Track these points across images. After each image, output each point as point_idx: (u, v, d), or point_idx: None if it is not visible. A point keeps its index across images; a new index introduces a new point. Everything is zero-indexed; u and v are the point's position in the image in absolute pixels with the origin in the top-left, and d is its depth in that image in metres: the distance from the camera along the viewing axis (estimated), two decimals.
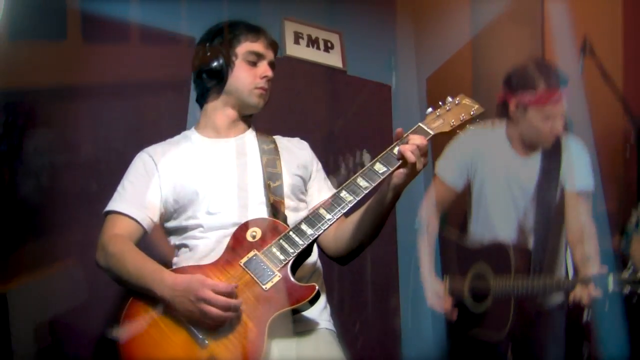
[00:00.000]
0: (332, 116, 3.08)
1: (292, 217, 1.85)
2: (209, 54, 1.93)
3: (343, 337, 1.85)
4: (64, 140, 2.49)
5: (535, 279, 2.41)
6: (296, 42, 3.12)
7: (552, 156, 2.51)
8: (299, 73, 3.04)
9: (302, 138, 2.09)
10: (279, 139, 2.04)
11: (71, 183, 2.44)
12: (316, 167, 2.03)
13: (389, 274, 2.89)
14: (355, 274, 2.84)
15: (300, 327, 1.75)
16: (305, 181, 1.98)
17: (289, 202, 1.88)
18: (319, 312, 1.80)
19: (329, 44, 3.21)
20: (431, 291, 2.54)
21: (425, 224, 2.61)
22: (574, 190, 2.49)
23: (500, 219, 2.54)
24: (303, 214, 1.89)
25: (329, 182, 2.03)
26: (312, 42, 3.17)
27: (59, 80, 2.53)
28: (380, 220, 1.77)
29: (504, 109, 2.52)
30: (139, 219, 1.84)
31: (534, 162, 2.52)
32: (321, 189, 1.99)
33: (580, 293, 2.30)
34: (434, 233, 2.61)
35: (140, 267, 1.72)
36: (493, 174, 2.56)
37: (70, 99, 2.52)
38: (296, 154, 2.00)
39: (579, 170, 2.49)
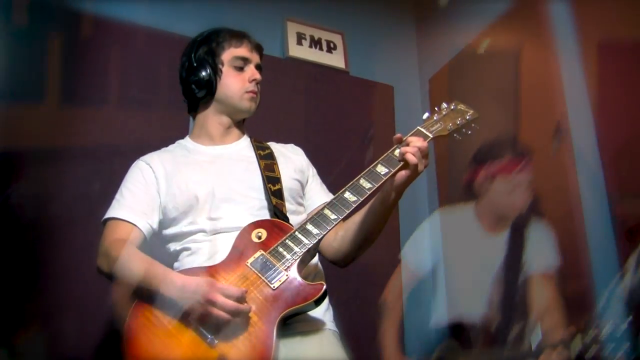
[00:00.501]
0: (333, 116, 3.08)
1: (292, 220, 1.86)
2: (195, 65, 1.96)
3: (346, 339, 1.84)
4: (39, 200, 2.41)
5: (499, 352, 2.42)
6: (299, 42, 3.13)
7: (517, 236, 2.53)
8: (301, 74, 3.05)
9: (304, 138, 2.11)
10: (273, 145, 2.07)
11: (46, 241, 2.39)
12: (312, 172, 2.06)
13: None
14: (358, 278, 2.84)
15: (304, 327, 1.75)
16: (302, 185, 2.00)
17: (289, 205, 1.90)
18: (323, 313, 1.80)
19: (332, 45, 3.23)
20: None
21: (390, 307, 2.66)
22: (538, 271, 2.50)
23: (466, 297, 2.56)
24: (302, 217, 1.91)
25: (325, 187, 2.06)
26: (315, 43, 3.18)
27: (38, 142, 2.49)
28: (382, 220, 1.80)
29: (471, 189, 2.58)
30: (138, 225, 1.83)
31: (502, 239, 2.54)
32: (319, 193, 2.02)
33: (547, 358, 2.27)
34: (398, 315, 2.66)
35: (147, 269, 1.71)
36: (461, 253, 2.59)
37: (50, 160, 2.47)
38: (292, 159, 2.03)
39: (542, 251, 2.50)
